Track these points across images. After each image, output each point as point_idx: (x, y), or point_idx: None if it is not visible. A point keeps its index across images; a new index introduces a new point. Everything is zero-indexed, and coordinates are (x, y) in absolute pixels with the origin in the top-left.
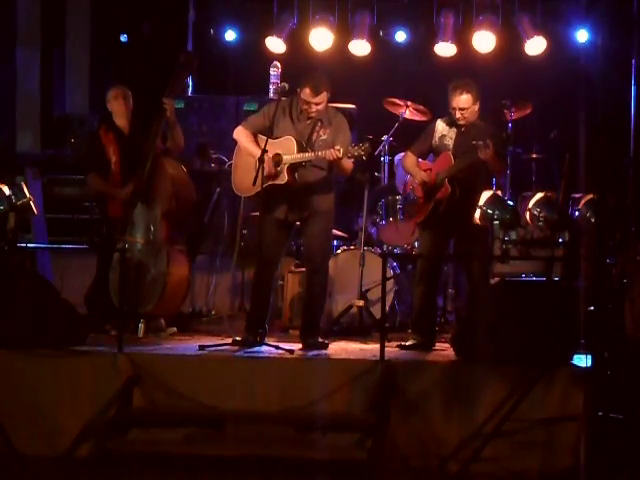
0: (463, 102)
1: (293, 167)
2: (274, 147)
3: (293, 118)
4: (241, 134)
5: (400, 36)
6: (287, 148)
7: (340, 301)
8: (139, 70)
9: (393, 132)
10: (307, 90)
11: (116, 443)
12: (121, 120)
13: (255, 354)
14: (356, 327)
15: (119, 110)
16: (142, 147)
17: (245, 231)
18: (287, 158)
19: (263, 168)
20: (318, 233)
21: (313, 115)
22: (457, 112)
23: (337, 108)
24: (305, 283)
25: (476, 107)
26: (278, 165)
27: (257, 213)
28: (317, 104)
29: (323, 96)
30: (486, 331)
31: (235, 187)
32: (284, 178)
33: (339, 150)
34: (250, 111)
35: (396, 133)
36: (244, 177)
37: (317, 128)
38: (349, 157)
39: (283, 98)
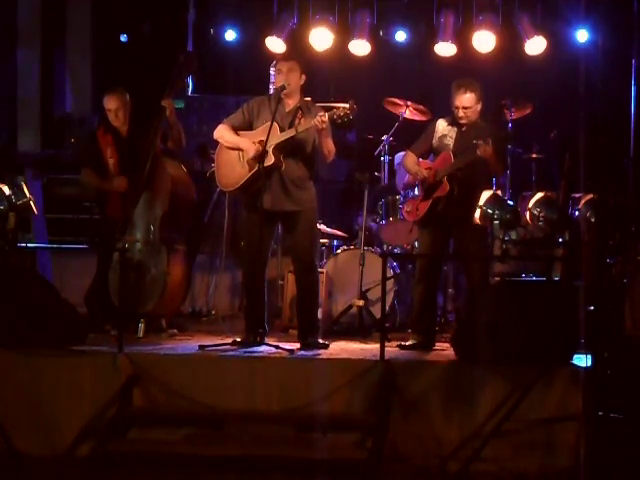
0: (466, 101)
1: (279, 147)
2: (257, 136)
3: (272, 109)
4: (223, 131)
5: (400, 36)
6: (270, 132)
7: (340, 301)
8: (139, 70)
9: (393, 132)
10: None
11: (116, 443)
12: (119, 123)
13: (255, 354)
14: (356, 327)
15: (115, 119)
16: (141, 148)
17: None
18: (272, 139)
19: (262, 166)
20: (305, 230)
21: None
22: (460, 111)
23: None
24: (297, 283)
25: (478, 107)
26: (262, 151)
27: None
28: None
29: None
30: (486, 331)
31: (221, 185)
32: (271, 159)
33: (324, 115)
34: None
35: (396, 133)
36: (230, 172)
37: (298, 115)
38: (336, 119)
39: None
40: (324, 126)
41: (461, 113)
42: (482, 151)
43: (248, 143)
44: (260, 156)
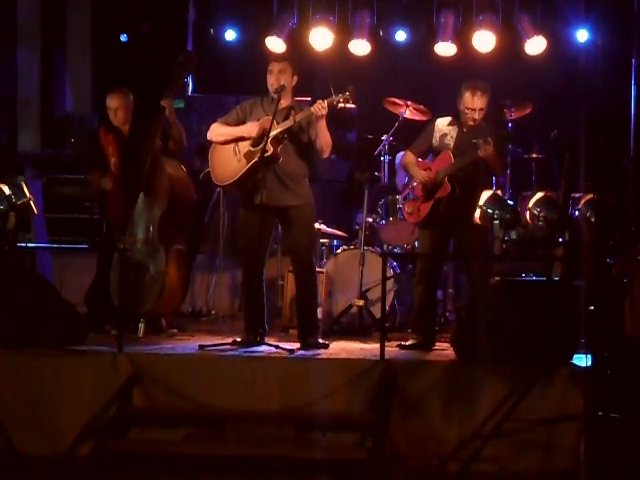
0: (482, 103)
1: (277, 139)
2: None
3: (265, 108)
4: (218, 128)
5: (400, 36)
6: (267, 125)
7: (340, 301)
8: (139, 70)
9: (393, 132)
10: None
11: (116, 443)
12: (118, 122)
13: (255, 354)
14: (356, 327)
15: (114, 118)
16: (142, 147)
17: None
18: (271, 132)
19: (261, 156)
20: (303, 228)
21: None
22: (476, 112)
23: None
24: (296, 283)
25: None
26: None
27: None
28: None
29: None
30: (486, 331)
31: (217, 180)
32: (269, 149)
33: (323, 101)
34: None
35: (396, 133)
36: (225, 168)
37: (292, 113)
38: (336, 105)
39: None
40: (323, 112)
41: (475, 115)
42: (484, 152)
43: (248, 126)
44: (265, 134)
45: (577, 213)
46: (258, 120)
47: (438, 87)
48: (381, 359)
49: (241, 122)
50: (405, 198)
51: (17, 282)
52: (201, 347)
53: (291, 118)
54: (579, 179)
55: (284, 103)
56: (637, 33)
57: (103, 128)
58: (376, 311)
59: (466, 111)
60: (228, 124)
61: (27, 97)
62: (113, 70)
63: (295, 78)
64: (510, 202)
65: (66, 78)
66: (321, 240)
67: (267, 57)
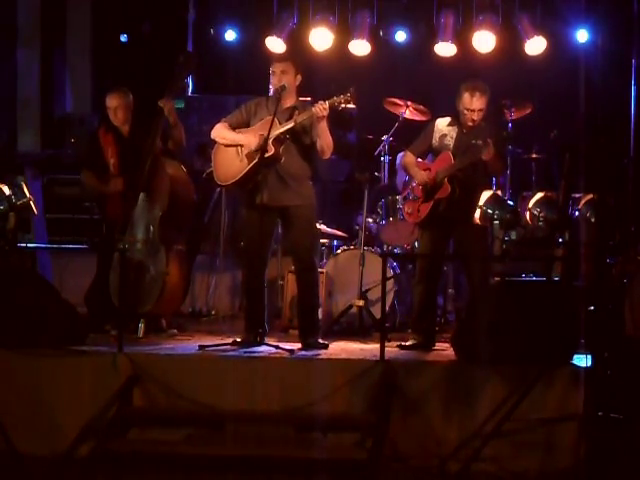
0: (481, 104)
1: (278, 140)
2: (256, 131)
3: (269, 108)
4: (221, 129)
5: (400, 36)
6: (266, 134)
7: (340, 301)
8: (139, 70)
9: (393, 132)
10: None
11: (116, 443)
12: (118, 122)
13: (255, 354)
14: (356, 327)
15: (114, 118)
16: (141, 148)
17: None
18: (272, 132)
19: (262, 156)
20: (304, 228)
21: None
22: (475, 113)
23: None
24: (297, 283)
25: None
26: (264, 142)
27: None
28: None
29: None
30: (486, 331)
31: (220, 180)
32: (271, 150)
33: (324, 102)
34: None
35: (396, 133)
36: (228, 168)
37: (295, 113)
38: (337, 106)
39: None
40: (325, 113)
41: (474, 116)
42: (484, 154)
43: (248, 137)
44: (263, 147)
45: (577, 213)
46: (262, 120)
47: (438, 87)
48: (381, 359)
49: (245, 122)
50: (405, 198)
51: (17, 282)
52: (201, 347)
53: (293, 119)
54: (579, 179)
55: (287, 103)
56: (637, 33)
57: (103, 128)
58: (376, 311)
59: (465, 112)
60: (232, 124)
61: (27, 97)
62: (113, 70)
63: (298, 78)
64: (510, 202)
65: (66, 78)
66: (321, 240)
67: (267, 57)
